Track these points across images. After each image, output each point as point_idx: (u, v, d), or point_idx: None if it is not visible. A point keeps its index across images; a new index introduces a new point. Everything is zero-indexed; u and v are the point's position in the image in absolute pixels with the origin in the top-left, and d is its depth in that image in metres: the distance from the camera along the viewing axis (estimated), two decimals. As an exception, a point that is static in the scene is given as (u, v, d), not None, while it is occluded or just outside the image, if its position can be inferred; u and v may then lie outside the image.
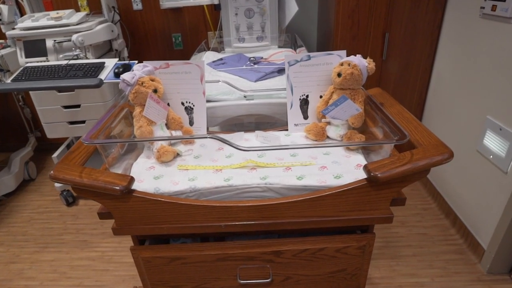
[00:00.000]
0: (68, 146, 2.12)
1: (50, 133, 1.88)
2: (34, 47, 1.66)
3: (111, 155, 0.87)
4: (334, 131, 0.94)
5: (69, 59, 1.55)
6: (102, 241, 1.79)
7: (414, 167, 0.69)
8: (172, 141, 0.98)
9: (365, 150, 0.91)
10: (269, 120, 1.27)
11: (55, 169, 0.73)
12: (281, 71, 1.43)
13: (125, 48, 2.04)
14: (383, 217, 0.78)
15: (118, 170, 0.88)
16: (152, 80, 0.94)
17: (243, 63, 1.62)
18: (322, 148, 0.92)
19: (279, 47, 1.88)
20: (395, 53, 1.83)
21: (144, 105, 0.90)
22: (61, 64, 1.47)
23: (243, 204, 0.76)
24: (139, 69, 0.94)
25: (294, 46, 1.90)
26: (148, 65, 0.96)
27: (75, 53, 1.60)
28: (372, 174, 0.70)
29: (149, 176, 0.83)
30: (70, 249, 1.75)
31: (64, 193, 2.05)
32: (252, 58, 1.63)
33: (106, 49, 1.90)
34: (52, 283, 1.56)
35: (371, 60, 0.91)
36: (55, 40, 1.64)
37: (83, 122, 1.84)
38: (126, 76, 0.91)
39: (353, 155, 0.87)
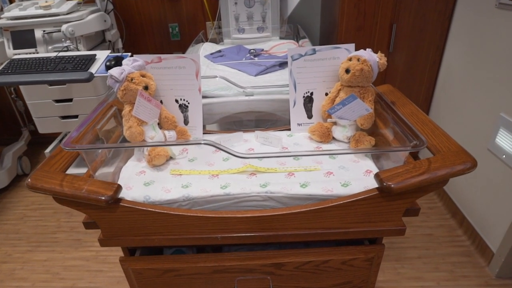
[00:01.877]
0: (62, 141, 2.04)
1: (42, 128, 1.80)
2: (22, 37, 1.57)
3: (98, 157, 0.80)
4: (340, 132, 0.87)
5: (59, 51, 1.47)
6: (96, 240, 1.72)
7: (432, 177, 0.62)
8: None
9: (372, 149, 0.84)
10: (270, 118, 1.19)
11: (32, 177, 0.65)
12: (283, 64, 1.35)
13: (119, 39, 1.94)
14: (395, 229, 0.71)
15: (106, 174, 0.81)
16: (143, 76, 0.87)
17: (243, 55, 1.54)
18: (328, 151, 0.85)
19: (281, 38, 1.79)
20: (402, 45, 1.74)
21: (134, 103, 0.83)
22: (50, 56, 1.39)
23: (241, 215, 0.69)
24: (129, 64, 0.86)
25: (297, 37, 1.82)
26: (139, 60, 0.88)
27: (65, 45, 1.51)
28: (384, 184, 0.63)
29: (139, 182, 0.76)
30: (64, 248, 1.69)
31: (58, 189, 1.98)
32: (252, 50, 1.55)
33: (99, 40, 1.81)
34: (44, 284, 1.51)
35: (383, 55, 0.83)
36: (44, 31, 1.55)
37: (76, 116, 1.76)
38: (114, 71, 0.83)
39: (361, 160, 0.80)
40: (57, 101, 1.71)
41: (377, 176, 0.65)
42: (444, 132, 0.72)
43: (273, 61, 1.33)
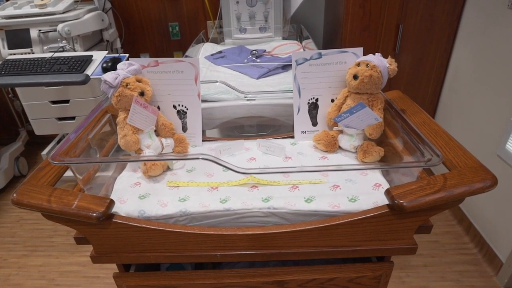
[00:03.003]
0: (59, 142, 2.00)
1: (39, 130, 1.76)
2: (18, 37, 1.52)
3: (91, 168, 0.76)
4: (347, 141, 0.82)
5: (54, 51, 1.42)
6: (94, 244, 1.69)
7: (448, 196, 0.57)
8: (163, 151, 0.86)
9: (383, 165, 0.80)
10: (272, 123, 1.15)
11: (18, 191, 0.61)
12: (286, 66, 1.30)
13: (118, 39, 1.90)
14: (406, 248, 0.67)
15: (99, 185, 0.76)
16: (139, 81, 0.82)
17: (245, 56, 1.49)
18: (332, 162, 0.81)
19: (283, 38, 1.74)
20: (408, 46, 1.69)
21: (129, 110, 0.78)
22: (45, 57, 1.34)
23: (242, 232, 0.65)
24: (124, 68, 0.82)
25: (300, 38, 1.76)
26: (134, 63, 0.83)
27: (61, 45, 1.47)
28: (396, 202, 0.59)
29: (133, 195, 0.72)
30: (60, 253, 1.66)
31: (55, 192, 1.94)
32: (254, 51, 1.50)
33: (97, 40, 1.76)
34: (39, 291, 1.47)
35: (393, 60, 0.79)
36: (39, 30, 1.51)
37: (73, 118, 1.72)
38: (108, 76, 0.78)
39: (370, 172, 0.75)
40: (54, 102, 1.66)
41: (388, 192, 0.61)
42: (460, 144, 0.67)
43: (275, 64, 1.28)
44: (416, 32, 1.66)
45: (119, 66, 0.82)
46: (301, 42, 1.66)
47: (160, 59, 0.85)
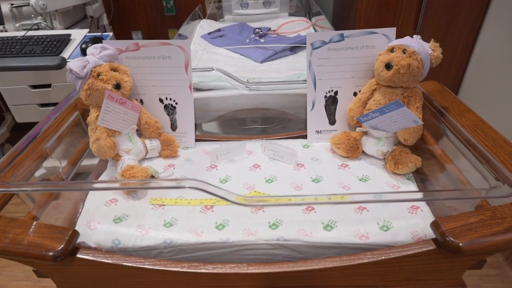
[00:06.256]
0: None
1: (19, 117, 1.60)
2: (-13, 12, 1.33)
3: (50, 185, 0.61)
4: (373, 146, 0.67)
5: (28, 30, 1.24)
6: (83, 241, 1.57)
7: (524, 236, 0.42)
8: (147, 156, 0.71)
9: (418, 176, 0.65)
10: (279, 116, 0.99)
11: None
12: (294, 48, 1.13)
13: (104, 15, 1.69)
14: (451, 289, 0.53)
15: (66, 204, 0.62)
16: (114, 70, 0.66)
17: (246, 36, 1.30)
18: (355, 173, 0.65)
19: (290, 15, 1.54)
20: (431, 24, 1.50)
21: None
22: (16, 36, 1.16)
23: (243, 271, 0.50)
24: (95, 53, 0.65)
25: (309, 14, 1.57)
26: (109, 47, 0.66)
27: (35, 22, 1.28)
28: (448, 240, 0.44)
29: (107, 217, 0.57)
30: (47, 251, 1.54)
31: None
32: (257, 30, 1.31)
33: (80, 16, 1.56)
34: (24, 293, 1.36)
35: (437, 45, 0.62)
36: (11, 4, 1.32)
37: (56, 104, 1.55)
38: (73, 64, 0.62)
39: (403, 188, 0.60)
40: (34, 86, 1.49)
41: (436, 226, 0.46)
42: (530, 159, 0.52)
43: (282, 46, 1.10)
44: (441, 8, 1.46)
45: (89, 50, 0.65)
46: (310, 19, 1.47)
47: (141, 42, 0.69)
